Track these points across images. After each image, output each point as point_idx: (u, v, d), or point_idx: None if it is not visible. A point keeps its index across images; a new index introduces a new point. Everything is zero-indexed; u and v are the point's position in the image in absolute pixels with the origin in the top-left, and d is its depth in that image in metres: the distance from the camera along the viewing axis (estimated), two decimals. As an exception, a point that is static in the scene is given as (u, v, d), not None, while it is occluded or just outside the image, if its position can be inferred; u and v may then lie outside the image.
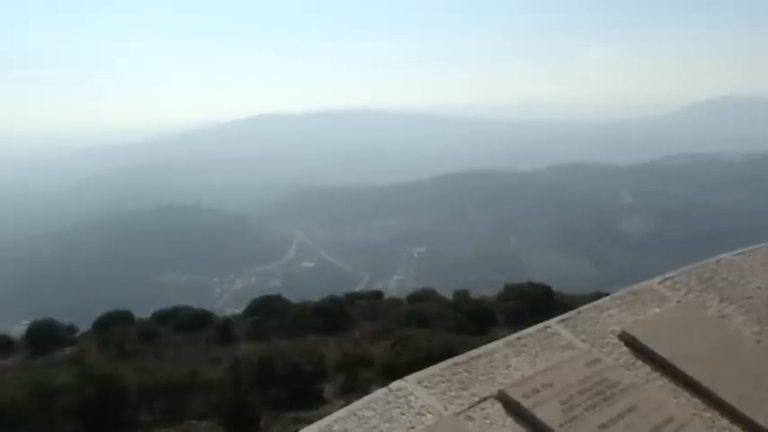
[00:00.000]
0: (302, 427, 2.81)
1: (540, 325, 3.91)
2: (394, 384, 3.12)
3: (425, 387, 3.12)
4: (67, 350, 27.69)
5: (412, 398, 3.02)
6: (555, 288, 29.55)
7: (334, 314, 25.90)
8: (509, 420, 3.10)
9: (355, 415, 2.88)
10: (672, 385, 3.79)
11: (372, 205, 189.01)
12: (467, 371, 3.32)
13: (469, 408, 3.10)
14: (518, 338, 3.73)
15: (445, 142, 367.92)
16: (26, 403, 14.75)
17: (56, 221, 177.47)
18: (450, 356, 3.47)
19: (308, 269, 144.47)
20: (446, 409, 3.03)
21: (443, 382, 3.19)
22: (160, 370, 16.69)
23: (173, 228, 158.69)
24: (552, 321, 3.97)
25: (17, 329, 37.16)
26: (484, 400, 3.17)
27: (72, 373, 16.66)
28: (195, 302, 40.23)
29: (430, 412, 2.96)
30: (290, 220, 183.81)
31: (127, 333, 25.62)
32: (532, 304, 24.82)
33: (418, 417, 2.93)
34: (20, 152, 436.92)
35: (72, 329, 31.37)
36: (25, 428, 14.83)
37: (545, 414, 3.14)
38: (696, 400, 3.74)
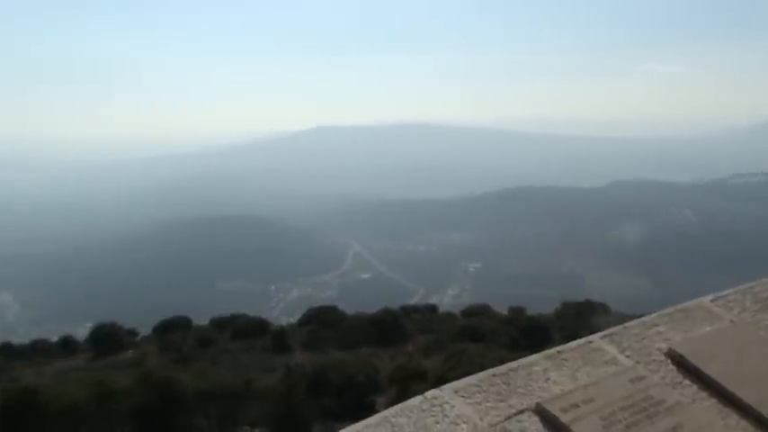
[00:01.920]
0: None
1: (583, 340, 3.86)
2: (429, 393, 3.13)
3: (462, 397, 3.11)
4: (129, 353, 28.44)
5: (447, 407, 3.02)
6: (613, 307, 29.02)
7: (388, 326, 25.93)
8: (546, 434, 3.10)
9: (389, 422, 2.88)
10: (720, 406, 3.64)
11: (431, 218, 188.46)
12: (505, 382, 3.29)
13: (506, 419, 3.06)
14: (558, 352, 3.68)
15: (508, 157, 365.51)
16: (87, 403, 15.21)
17: (120, 229, 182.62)
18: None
19: (363, 281, 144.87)
20: (481, 420, 3.00)
21: (480, 392, 3.16)
22: (217, 376, 16.98)
23: (232, 237, 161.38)
24: (595, 336, 3.92)
25: (81, 332, 38.42)
26: (521, 412, 3.13)
27: (132, 375, 17.11)
28: (252, 311, 40.83)
29: (465, 422, 2.94)
30: (347, 231, 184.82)
31: (185, 338, 26.19)
32: (589, 322, 24.41)
33: (453, 426, 2.92)
34: (88, 160, 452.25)
35: (133, 333, 32.22)
36: (86, 428, 15.28)
37: (584, 429, 3.09)
38: (745, 422, 3.62)
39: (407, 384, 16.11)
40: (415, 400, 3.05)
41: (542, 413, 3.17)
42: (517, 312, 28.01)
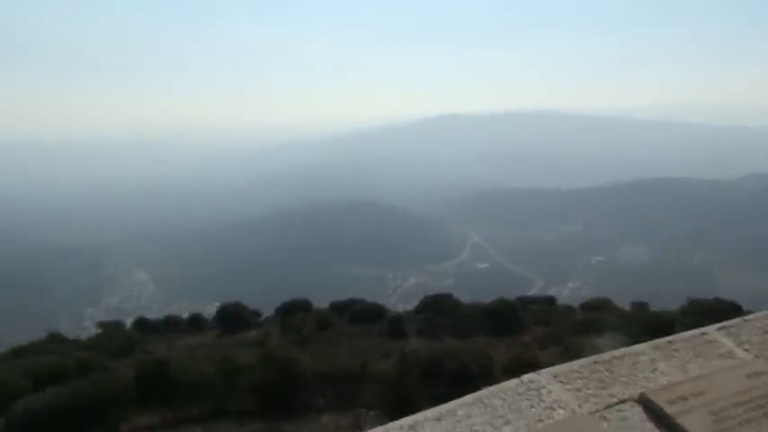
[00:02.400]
0: None
1: (696, 331, 3.70)
2: (527, 376, 3.10)
3: (561, 382, 3.07)
4: (252, 333, 29.66)
5: (544, 391, 2.98)
6: (746, 307, 27.39)
7: (504, 317, 25.68)
8: (649, 426, 2.94)
9: (482, 402, 2.89)
10: None
11: (553, 209, 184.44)
12: (608, 370, 3.21)
13: (606, 408, 2.97)
14: (669, 342, 3.55)
15: (637, 147, 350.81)
16: (213, 378, 16.05)
17: (248, 213, 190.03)
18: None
19: (481, 270, 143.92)
20: (580, 407, 2.94)
21: (581, 378, 3.10)
22: (334, 358, 17.46)
23: (353, 223, 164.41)
24: (711, 328, 3.76)
25: (209, 310, 40.41)
26: (623, 401, 3.04)
27: (255, 354, 17.87)
28: (370, 296, 41.48)
29: (562, 408, 2.90)
30: (468, 220, 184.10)
31: (305, 320, 27.01)
32: (717, 321, 23.21)
33: (548, 411, 2.88)
34: (219, 146, 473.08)
35: (257, 314, 33.52)
36: (212, 400, 16.15)
37: (692, 423, 2.96)
38: None
39: (522, 375, 15.96)
40: (511, 383, 3.03)
41: (646, 403, 3.08)
42: (640, 307, 27.06)
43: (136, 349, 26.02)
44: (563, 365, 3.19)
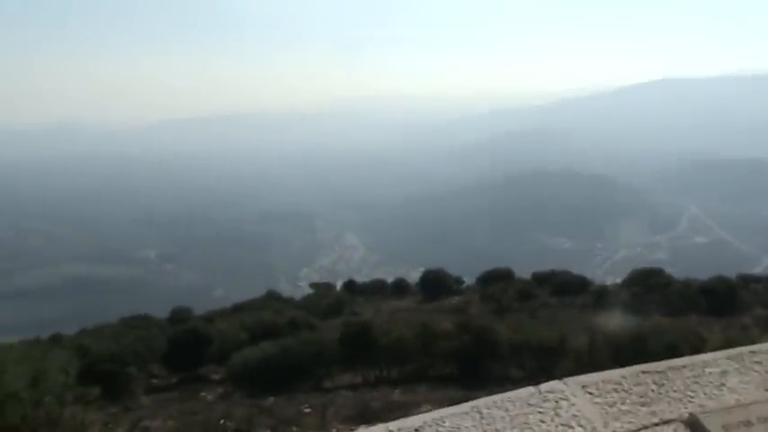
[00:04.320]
0: None
1: None
2: (546, 385, 2.63)
3: (589, 394, 2.55)
4: (454, 299, 30.07)
5: (564, 404, 2.48)
6: None
7: (721, 296, 23.83)
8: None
9: (478, 412, 2.49)
10: None
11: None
12: (656, 383, 2.70)
13: (640, 429, 2.46)
14: (752, 352, 2.87)
15: None
16: (413, 342, 16.46)
17: (455, 181, 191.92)
18: None
19: (699, 245, 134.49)
20: (605, 426, 2.46)
21: (617, 391, 2.63)
22: (532, 329, 17.17)
23: (561, 192, 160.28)
24: None
25: (413, 275, 41.56)
26: (665, 422, 2.50)
27: (455, 321, 18.08)
28: (576, 268, 40.31)
29: (580, 425, 2.44)
30: (685, 192, 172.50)
31: (506, 290, 26.86)
32: None
33: (563, 428, 2.42)
34: (421, 116, 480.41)
35: (459, 281, 33.94)
36: (410, 364, 16.59)
37: None
38: None
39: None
40: (523, 392, 2.60)
41: (694, 427, 2.47)
42: None
43: (344, 310, 27.39)
44: (596, 374, 2.68)
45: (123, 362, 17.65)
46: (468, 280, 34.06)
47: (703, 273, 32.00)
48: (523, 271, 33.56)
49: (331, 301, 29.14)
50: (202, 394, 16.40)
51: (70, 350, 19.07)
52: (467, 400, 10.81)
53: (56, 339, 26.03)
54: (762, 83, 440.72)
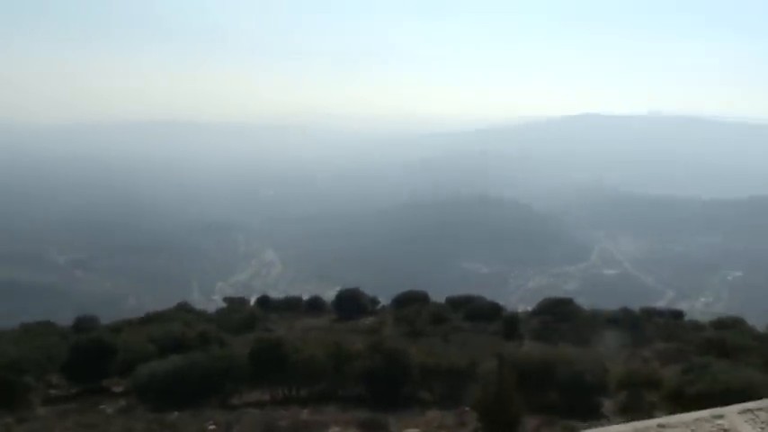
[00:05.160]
0: None
1: None
2: (707, 412, 2.31)
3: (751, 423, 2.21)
4: (368, 320, 30.08)
5: None
6: None
7: (626, 327, 24.69)
8: None
9: None
10: None
11: (692, 219, 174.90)
12: None
13: None
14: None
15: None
16: (324, 362, 16.40)
17: (382, 199, 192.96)
18: (755, 398, 2.51)
19: (608, 277, 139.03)
20: None
21: None
22: (443, 354, 17.36)
23: (484, 218, 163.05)
24: None
25: (330, 293, 41.45)
26: None
27: (367, 342, 18.11)
28: (490, 294, 41.06)
29: None
30: (597, 224, 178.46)
31: (420, 313, 27.05)
32: None
33: None
34: (356, 134, 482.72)
35: (374, 302, 33.99)
36: (321, 384, 16.50)
37: None
38: None
39: (639, 391, 15.24)
40: (687, 416, 2.16)
41: None
42: (778, 331, 25.15)
43: (257, 326, 27.00)
44: (758, 401, 2.38)
45: (21, 370, 16.88)
46: (384, 301, 34.16)
47: (611, 304, 33.13)
48: (440, 295, 33.91)
49: (244, 316, 28.68)
50: (102, 407, 15.82)
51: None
52: (375, 422, 10.74)
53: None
54: (682, 123, 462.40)
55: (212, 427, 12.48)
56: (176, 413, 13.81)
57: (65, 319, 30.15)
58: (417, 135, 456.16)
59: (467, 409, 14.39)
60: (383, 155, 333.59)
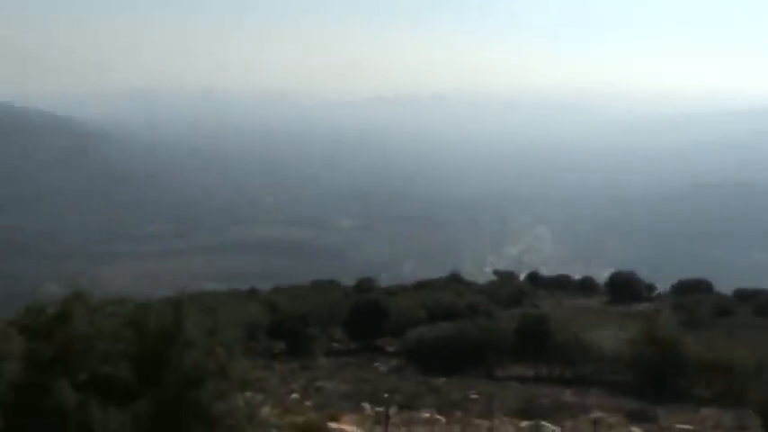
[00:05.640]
0: None
1: None
2: None
3: None
4: (643, 305, 28.62)
5: None
6: None
7: None
8: None
9: None
10: None
11: None
12: None
13: None
14: None
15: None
16: (590, 345, 15.90)
17: (664, 182, 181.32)
18: None
19: None
20: None
21: None
22: (727, 349, 15.93)
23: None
24: None
25: (602, 275, 39.98)
26: None
27: (640, 328, 17.23)
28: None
29: None
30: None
31: (701, 303, 25.13)
32: None
33: None
34: (646, 111, 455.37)
35: (650, 287, 32.26)
36: (586, 367, 16.07)
37: None
38: None
39: None
40: None
41: None
42: None
43: (524, 301, 27.03)
44: None
45: (307, 322, 18.73)
46: (661, 287, 32.29)
47: None
48: (725, 285, 31.29)
49: (512, 290, 28.86)
50: (376, 364, 17.01)
51: (263, 305, 20.59)
52: (643, 413, 10.18)
53: (252, 293, 28.17)
54: None
55: (475, 395, 12.77)
56: (443, 378, 14.34)
57: (347, 278, 32.74)
58: (714, 113, 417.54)
59: (749, 411, 13.11)
60: (671, 135, 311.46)
